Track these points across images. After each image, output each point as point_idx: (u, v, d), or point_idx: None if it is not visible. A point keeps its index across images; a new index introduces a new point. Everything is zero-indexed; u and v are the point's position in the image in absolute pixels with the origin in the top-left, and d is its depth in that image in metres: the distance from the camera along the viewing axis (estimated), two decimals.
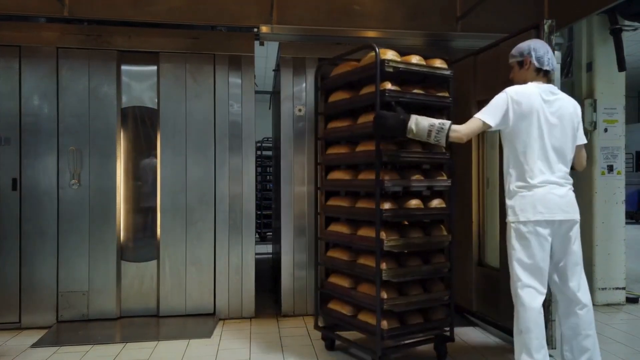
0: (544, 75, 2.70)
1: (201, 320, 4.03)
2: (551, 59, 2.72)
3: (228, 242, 4.17)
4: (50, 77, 3.97)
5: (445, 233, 3.20)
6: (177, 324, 3.97)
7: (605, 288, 4.50)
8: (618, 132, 4.55)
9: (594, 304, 4.41)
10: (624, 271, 4.53)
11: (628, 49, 4.66)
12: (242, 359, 3.26)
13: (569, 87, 4.80)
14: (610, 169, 4.53)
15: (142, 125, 4.22)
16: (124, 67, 4.14)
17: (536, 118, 2.57)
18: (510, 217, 2.61)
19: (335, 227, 3.37)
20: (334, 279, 3.36)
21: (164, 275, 4.11)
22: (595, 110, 4.52)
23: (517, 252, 2.57)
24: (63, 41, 4.00)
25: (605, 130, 4.54)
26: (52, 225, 3.95)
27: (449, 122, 2.61)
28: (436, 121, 2.61)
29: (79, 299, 3.97)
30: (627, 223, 4.65)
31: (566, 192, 2.61)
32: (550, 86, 2.68)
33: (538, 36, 3.19)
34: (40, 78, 3.96)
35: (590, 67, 4.62)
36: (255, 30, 4.15)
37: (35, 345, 3.52)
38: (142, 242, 4.19)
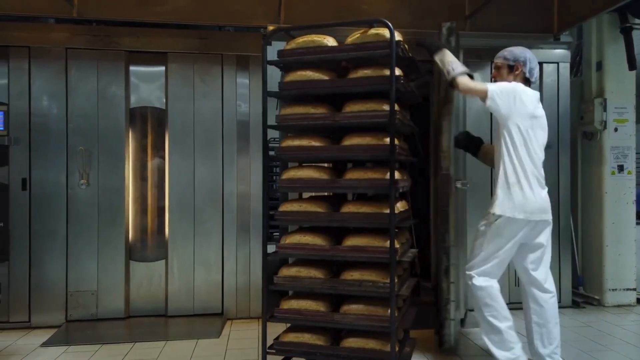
0: (527, 85, 2.89)
1: (209, 320, 4.04)
2: (537, 74, 2.96)
3: (236, 242, 4.18)
4: (59, 77, 3.99)
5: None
6: (185, 324, 3.98)
7: (616, 289, 4.46)
8: (628, 131, 4.51)
9: (603, 305, 4.43)
10: (635, 272, 4.49)
11: (638, 48, 4.61)
12: (250, 359, 3.25)
13: (579, 86, 4.77)
14: (621, 168, 4.49)
15: (151, 126, 4.24)
16: (132, 68, 4.15)
17: (531, 120, 2.76)
18: (496, 210, 2.75)
19: (303, 238, 2.58)
20: (298, 304, 2.58)
21: (172, 275, 4.12)
22: (605, 109, 4.48)
23: (487, 241, 2.81)
24: (72, 42, 4.02)
25: (616, 129, 4.49)
26: (62, 225, 3.97)
27: (463, 70, 2.81)
28: (457, 66, 2.82)
29: (88, 299, 3.99)
30: (637, 223, 4.60)
31: (546, 194, 2.82)
32: (537, 93, 2.88)
33: (438, 38, 3.31)
34: (49, 78, 3.98)
35: (600, 66, 4.57)
36: (263, 30, 4.15)
37: (45, 344, 3.54)
38: (151, 242, 4.21)
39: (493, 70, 3.04)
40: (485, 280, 2.84)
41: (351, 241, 2.55)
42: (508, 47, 3.03)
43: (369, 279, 2.48)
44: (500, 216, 2.75)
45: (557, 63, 4.49)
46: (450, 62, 2.84)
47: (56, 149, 3.97)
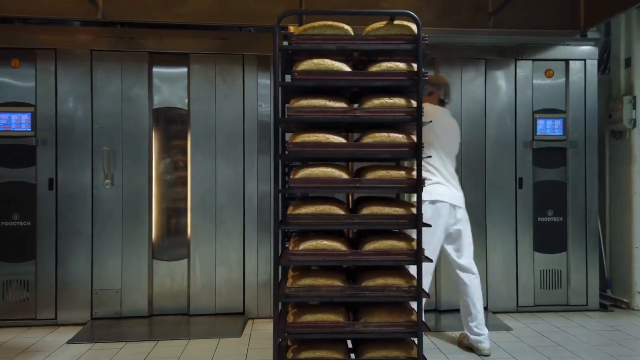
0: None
1: (231, 320, 4.06)
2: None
3: (257, 242, 4.19)
4: (84, 79, 4.06)
5: None
6: (207, 323, 4.01)
7: None
8: None
9: (632, 309, 4.32)
10: None
11: None
12: (272, 359, 3.25)
13: (606, 83, 4.65)
14: None
15: (173, 126, 4.28)
16: (155, 69, 4.19)
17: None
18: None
19: (321, 243, 2.39)
20: (313, 317, 2.39)
21: (194, 274, 4.16)
22: (634, 107, 4.35)
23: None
24: (97, 44, 4.08)
25: None
26: (87, 224, 4.04)
27: None
28: None
29: (112, 297, 4.05)
30: None
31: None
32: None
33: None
34: (75, 80, 4.05)
35: (629, 62, 4.45)
36: (284, 30, 4.15)
37: (70, 341, 3.60)
38: (173, 241, 4.25)
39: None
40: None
41: (373, 245, 2.39)
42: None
43: (394, 283, 2.37)
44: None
45: (584, 60, 4.39)
46: None
47: (81, 150, 4.04)
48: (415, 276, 2.38)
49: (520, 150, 4.34)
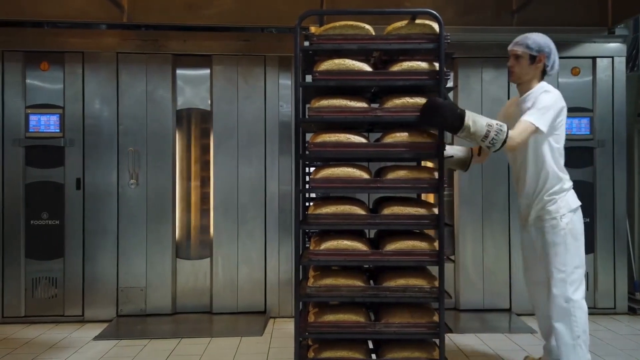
0: (541, 79, 2.69)
1: (252, 318, 4.09)
2: (557, 67, 2.72)
3: (278, 242, 4.21)
4: (110, 81, 4.15)
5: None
6: (229, 321, 4.05)
7: None
8: None
9: None
10: None
11: None
12: (293, 358, 3.26)
13: (635, 81, 4.52)
14: None
15: (196, 127, 4.34)
16: (178, 71, 4.26)
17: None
18: (561, 210, 2.59)
19: (342, 243, 2.39)
20: (335, 317, 2.39)
21: (216, 273, 4.20)
22: None
23: (569, 245, 2.56)
24: (122, 46, 4.16)
25: None
26: (113, 223, 4.12)
27: (505, 124, 2.36)
28: (494, 121, 2.34)
29: (137, 295, 4.13)
30: None
31: None
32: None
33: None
34: (101, 82, 4.14)
35: None
36: (305, 31, 4.16)
37: (97, 338, 3.68)
38: (196, 240, 4.31)
39: (510, 60, 2.66)
40: (583, 296, 2.60)
41: (394, 245, 2.38)
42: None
43: (416, 284, 2.36)
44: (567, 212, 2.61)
45: (612, 57, 4.28)
46: (487, 122, 2.31)
47: (107, 150, 4.13)
48: (437, 277, 2.37)
49: None
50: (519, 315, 4.17)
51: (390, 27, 2.46)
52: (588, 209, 4.28)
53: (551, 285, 2.58)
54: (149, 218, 4.15)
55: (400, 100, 2.40)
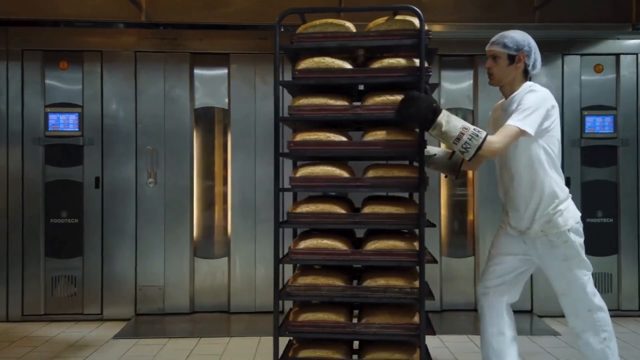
0: (525, 79, 2.43)
1: (270, 318, 4.05)
2: (540, 65, 2.46)
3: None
4: (128, 80, 4.15)
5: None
6: (247, 321, 4.04)
7: None
8: None
9: None
10: None
11: None
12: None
13: None
14: None
15: (214, 126, 4.33)
16: (196, 70, 4.25)
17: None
18: (569, 222, 2.34)
19: (321, 242, 2.36)
20: (314, 316, 2.36)
21: (234, 272, 4.19)
22: None
23: (582, 255, 2.37)
24: (140, 45, 4.17)
25: None
26: (131, 222, 4.13)
27: (484, 131, 2.17)
28: (472, 126, 2.16)
29: (156, 294, 4.13)
30: None
31: None
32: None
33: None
34: (119, 81, 4.15)
35: None
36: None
37: (116, 336, 3.69)
38: (214, 240, 4.30)
39: (488, 61, 2.43)
40: (600, 297, 2.45)
41: (374, 245, 2.32)
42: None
43: (396, 284, 2.30)
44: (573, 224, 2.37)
45: (637, 54, 4.20)
46: (463, 125, 2.14)
47: (126, 149, 4.14)
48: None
49: (567, 149, 4.17)
50: (540, 317, 4.10)
51: (371, 24, 2.41)
52: (611, 209, 4.21)
53: (574, 299, 2.45)
54: (167, 217, 4.15)
55: (381, 98, 2.35)
